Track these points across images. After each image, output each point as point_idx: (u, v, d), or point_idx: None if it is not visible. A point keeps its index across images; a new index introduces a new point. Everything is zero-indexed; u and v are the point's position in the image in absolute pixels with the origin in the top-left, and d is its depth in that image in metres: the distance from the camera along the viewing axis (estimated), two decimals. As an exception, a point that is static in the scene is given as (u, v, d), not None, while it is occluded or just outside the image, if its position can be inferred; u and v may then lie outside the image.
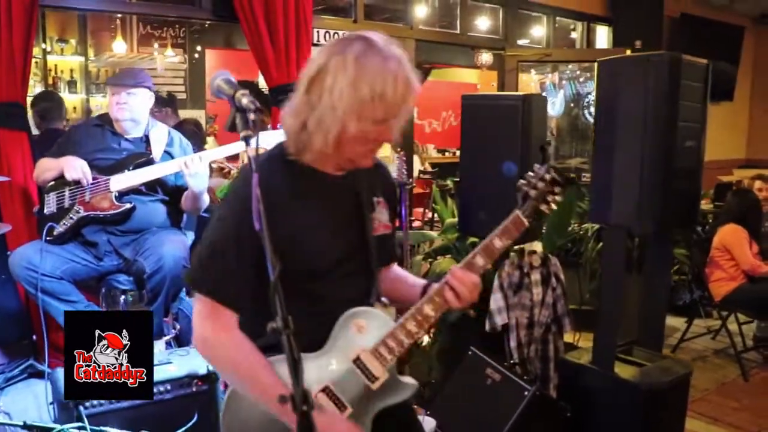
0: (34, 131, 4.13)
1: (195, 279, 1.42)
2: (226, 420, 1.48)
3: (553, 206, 1.54)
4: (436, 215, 5.46)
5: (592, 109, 7.45)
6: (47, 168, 3.05)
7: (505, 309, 3.14)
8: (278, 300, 1.04)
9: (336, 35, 3.47)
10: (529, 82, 8.26)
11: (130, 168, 3.03)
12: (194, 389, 2.33)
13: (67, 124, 5.08)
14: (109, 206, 2.99)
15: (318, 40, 4.75)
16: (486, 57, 6.60)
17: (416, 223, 7.15)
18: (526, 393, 2.58)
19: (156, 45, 7.05)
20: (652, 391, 2.64)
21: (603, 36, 7.40)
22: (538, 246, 3.32)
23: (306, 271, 1.43)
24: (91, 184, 2.98)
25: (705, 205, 5.79)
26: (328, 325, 1.46)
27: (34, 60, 4.23)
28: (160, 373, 2.29)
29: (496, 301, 3.14)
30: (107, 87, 3.31)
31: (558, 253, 3.70)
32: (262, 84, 5.11)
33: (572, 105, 8.20)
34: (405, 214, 3.76)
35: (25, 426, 2.11)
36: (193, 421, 2.27)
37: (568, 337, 3.59)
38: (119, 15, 6.35)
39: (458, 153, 4.20)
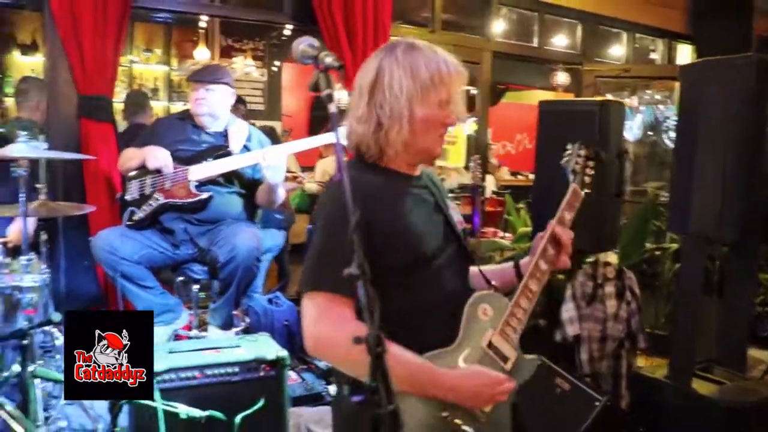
0: (122, 126, 4.34)
1: (311, 281, 1.42)
2: None
3: (587, 180, 1.74)
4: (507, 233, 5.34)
5: (672, 134, 7.17)
6: (131, 157, 3.18)
7: (577, 319, 3.05)
8: (356, 248, 1.04)
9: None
10: (605, 104, 8.05)
11: (209, 159, 3.12)
12: (262, 374, 2.33)
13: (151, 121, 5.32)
14: (188, 194, 3.08)
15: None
16: (562, 77, 6.46)
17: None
18: (597, 403, 2.49)
19: (237, 57, 7.27)
20: (734, 409, 2.48)
21: (686, 55, 7.16)
22: (613, 258, 3.21)
23: (412, 259, 1.47)
24: (172, 173, 3.08)
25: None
26: (444, 314, 1.48)
27: (121, 68, 4.45)
28: (228, 356, 2.33)
29: (567, 311, 3.05)
30: (188, 82, 3.44)
31: (634, 273, 3.57)
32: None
33: (650, 133, 7.94)
34: (478, 222, 3.71)
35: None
36: (259, 404, 2.28)
37: (640, 361, 3.45)
38: (202, 27, 6.61)
39: (531, 176, 4.14)
